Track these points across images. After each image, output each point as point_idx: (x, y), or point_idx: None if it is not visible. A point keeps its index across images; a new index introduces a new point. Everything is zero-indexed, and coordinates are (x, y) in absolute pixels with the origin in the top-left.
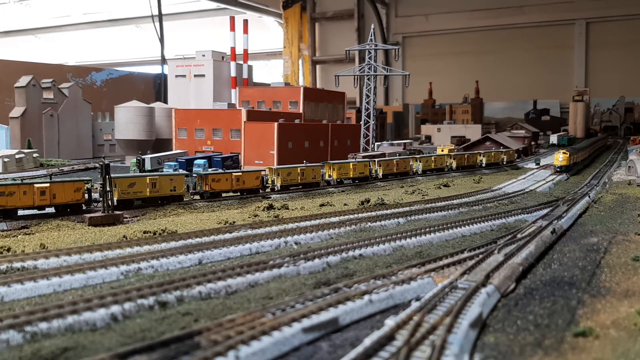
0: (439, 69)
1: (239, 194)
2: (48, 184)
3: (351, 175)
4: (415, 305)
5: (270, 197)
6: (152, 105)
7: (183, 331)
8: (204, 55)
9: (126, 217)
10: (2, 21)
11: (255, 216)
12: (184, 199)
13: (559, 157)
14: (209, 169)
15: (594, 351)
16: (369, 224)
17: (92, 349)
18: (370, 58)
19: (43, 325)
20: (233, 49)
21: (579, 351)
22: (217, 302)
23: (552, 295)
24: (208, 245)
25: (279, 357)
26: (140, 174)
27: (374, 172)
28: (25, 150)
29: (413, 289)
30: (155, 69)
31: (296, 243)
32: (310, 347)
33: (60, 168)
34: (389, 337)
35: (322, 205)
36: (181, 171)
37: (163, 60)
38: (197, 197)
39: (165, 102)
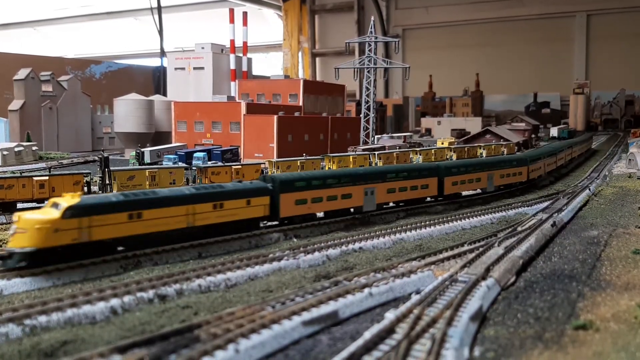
0: (439, 62)
1: None
2: (47, 177)
3: None
4: (415, 298)
5: None
6: (151, 98)
7: (183, 324)
8: (203, 48)
9: None
10: (0, 14)
11: None
12: None
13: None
14: (209, 162)
15: (594, 344)
16: (369, 216)
17: (91, 342)
18: (370, 50)
19: (42, 319)
20: (232, 42)
21: (579, 344)
22: (217, 295)
23: (552, 288)
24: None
25: (279, 351)
26: (140, 167)
27: (374, 165)
28: (25, 144)
29: (413, 282)
30: (155, 62)
31: (296, 236)
32: (310, 340)
33: (60, 161)
34: (389, 331)
35: None
36: (180, 164)
37: (162, 53)
38: None
39: (165, 94)
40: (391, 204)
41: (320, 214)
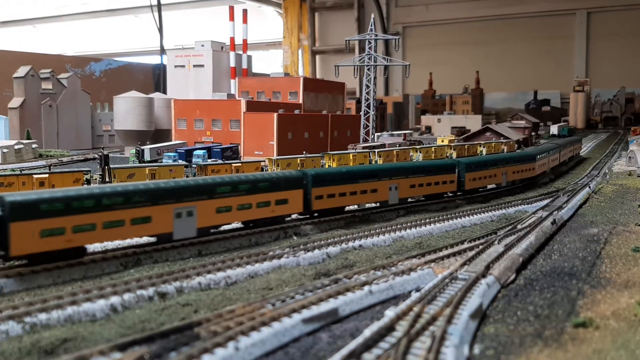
0: (439, 60)
1: None
2: (47, 175)
3: None
4: (415, 296)
5: None
6: (151, 95)
7: (183, 322)
8: (203, 46)
9: None
10: (0, 11)
11: None
12: None
13: None
14: (209, 160)
15: (594, 342)
16: (369, 213)
17: (91, 339)
18: (370, 48)
19: (42, 316)
20: (232, 39)
21: (579, 342)
22: (217, 293)
23: (552, 286)
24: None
25: (279, 348)
26: (140, 164)
27: (374, 162)
28: (24, 141)
29: (413, 280)
30: (154, 59)
31: (296, 234)
32: (310, 337)
33: (60, 159)
34: (389, 328)
35: None
36: (180, 162)
37: (162, 51)
38: None
39: (165, 92)
40: None
41: None
